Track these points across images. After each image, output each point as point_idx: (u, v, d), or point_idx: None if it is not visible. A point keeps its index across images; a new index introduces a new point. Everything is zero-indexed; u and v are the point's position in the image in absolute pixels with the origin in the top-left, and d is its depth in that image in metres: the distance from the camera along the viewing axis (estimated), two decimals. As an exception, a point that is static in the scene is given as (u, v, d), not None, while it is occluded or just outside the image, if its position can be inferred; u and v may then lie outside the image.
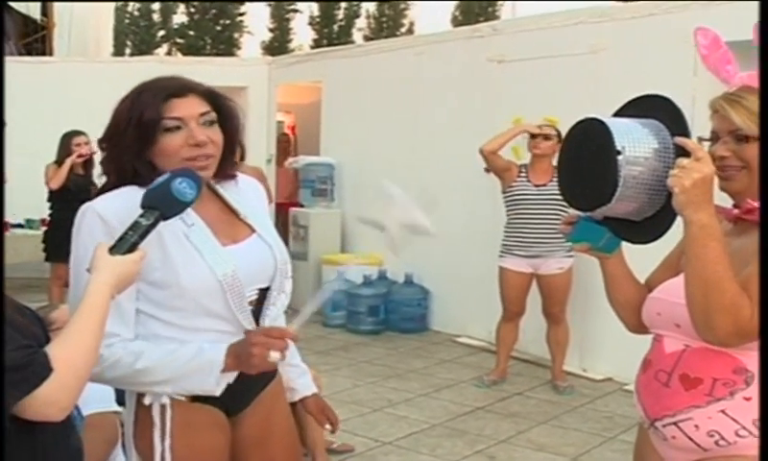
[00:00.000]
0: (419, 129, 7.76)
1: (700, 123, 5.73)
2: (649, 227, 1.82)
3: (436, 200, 2.10)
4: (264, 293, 2.08)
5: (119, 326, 1.89)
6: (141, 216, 1.79)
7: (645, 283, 2.08)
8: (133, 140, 1.92)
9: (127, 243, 1.76)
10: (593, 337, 6.10)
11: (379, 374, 6.22)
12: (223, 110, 2.02)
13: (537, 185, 5.73)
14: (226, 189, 2.10)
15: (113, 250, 1.74)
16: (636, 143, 1.76)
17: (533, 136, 5.79)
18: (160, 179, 1.83)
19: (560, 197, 2.03)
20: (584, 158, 1.83)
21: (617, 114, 1.90)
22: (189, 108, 1.95)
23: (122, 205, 1.90)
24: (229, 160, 2.06)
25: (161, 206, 1.80)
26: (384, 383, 5.98)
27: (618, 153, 1.74)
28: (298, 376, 2.36)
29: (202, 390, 1.94)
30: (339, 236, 8.56)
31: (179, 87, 1.97)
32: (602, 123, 1.80)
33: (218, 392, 1.95)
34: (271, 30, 38.31)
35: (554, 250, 5.67)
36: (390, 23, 37.24)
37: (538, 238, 5.70)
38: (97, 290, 1.69)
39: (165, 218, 1.81)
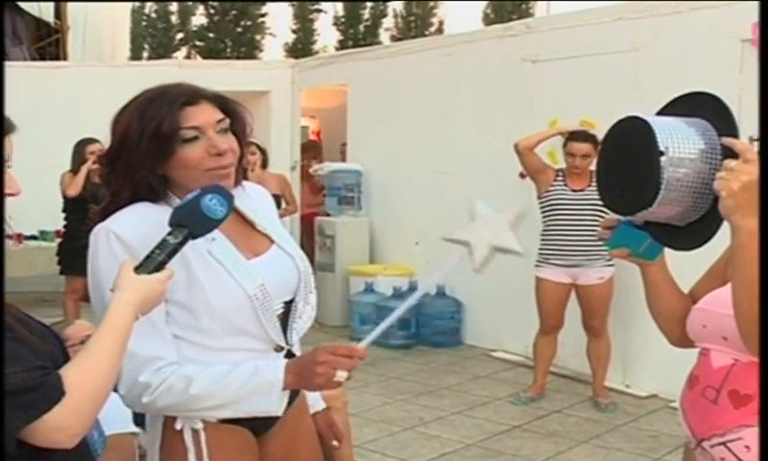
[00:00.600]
0: (449, 133, 7.76)
1: (747, 122, 5.69)
2: (693, 232, 1.80)
3: (523, 216, 2.06)
4: (289, 306, 2.09)
5: (161, 348, 1.89)
6: (169, 234, 1.78)
7: (689, 294, 2.05)
8: (148, 154, 1.91)
9: (154, 262, 1.75)
10: (637, 351, 6.06)
11: (410, 390, 6.21)
12: (234, 116, 2.03)
13: (574, 190, 5.70)
14: (238, 199, 2.08)
15: (139, 269, 1.73)
16: (681, 143, 1.74)
17: (568, 138, 5.76)
18: (189, 195, 1.83)
19: (599, 202, 2.01)
20: (624, 160, 1.82)
21: (661, 113, 1.89)
22: (205, 115, 1.95)
23: (138, 223, 1.90)
24: (240, 168, 2.06)
25: (190, 224, 1.80)
26: (415, 400, 5.97)
27: (662, 153, 1.72)
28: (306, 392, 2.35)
29: (262, 411, 1.94)
30: (367, 246, 8.58)
31: (192, 94, 1.97)
32: (644, 122, 1.78)
33: (281, 412, 1.96)
34: (294, 31, 38.49)
35: (594, 259, 5.64)
36: (418, 23, 37.30)
37: (576, 247, 5.67)
38: (120, 309, 1.66)
39: (194, 237, 1.81)
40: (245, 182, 2.14)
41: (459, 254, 1.98)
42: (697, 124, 1.79)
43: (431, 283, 1.86)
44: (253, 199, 2.16)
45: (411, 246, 8.05)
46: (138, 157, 1.91)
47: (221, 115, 1.98)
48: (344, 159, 9.43)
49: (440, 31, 34.90)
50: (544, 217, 5.82)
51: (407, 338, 7.49)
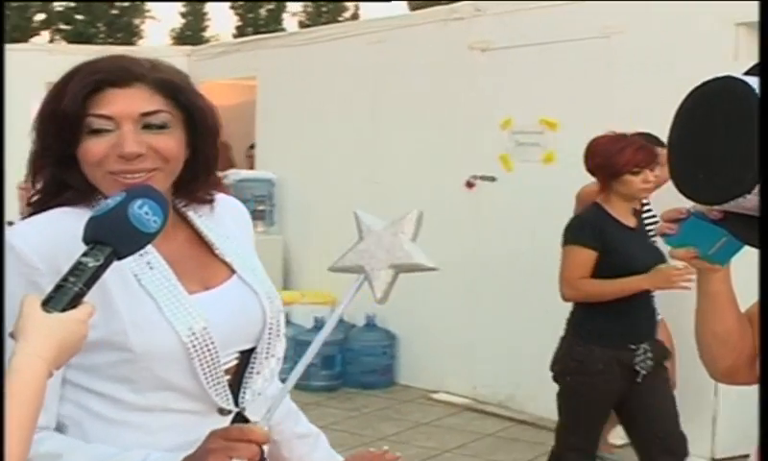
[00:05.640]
0: (380, 136, 7.72)
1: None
2: None
3: (421, 219, 1.84)
4: (247, 356, 1.91)
5: None
6: (86, 255, 1.58)
7: (746, 316, 1.98)
8: (54, 140, 1.79)
9: (68, 294, 1.53)
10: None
11: (340, 443, 6.03)
12: (191, 111, 1.87)
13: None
14: (198, 216, 1.95)
15: (49, 304, 1.52)
16: None
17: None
18: (110, 201, 1.64)
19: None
20: (713, 133, 1.70)
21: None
22: (127, 103, 1.79)
23: (45, 234, 1.74)
24: (202, 180, 1.91)
25: (114, 240, 1.60)
26: (346, 455, 5.86)
27: None
28: (312, 449, 2.18)
29: None
30: (280, 269, 8.47)
31: (119, 72, 1.82)
32: (745, 85, 1.65)
33: None
34: (182, 15, 38.20)
35: None
36: (330, 7, 37.37)
37: None
38: (26, 365, 1.45)
39: (120, 257, 1.62)
40: (218, 195, 1.99)
41: (355, 284, 1.77)
42: None
43: (331, 324, 1.63)
44: (221, 217, 1.99)
45: (350, 278, 7.95)
46: (44, 142, 1.81)
47: (155, 107, 1.81)
48: (251, 166, 9.32)
49: (355, 17, 34.97)
50: None
51: (331, 378, 7.41)
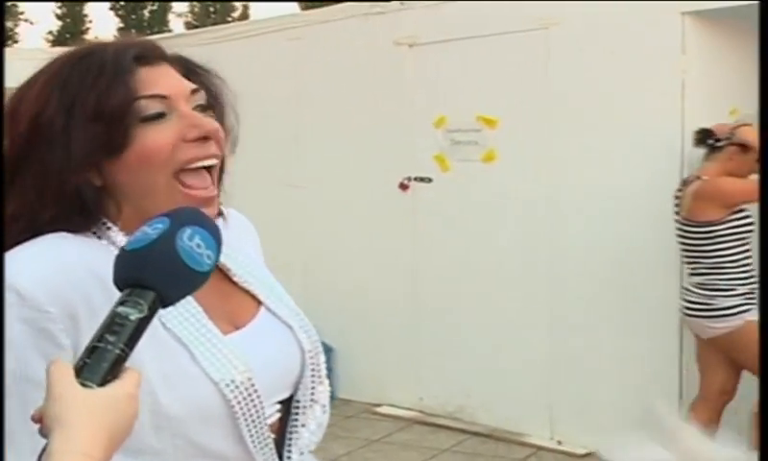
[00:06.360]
0: (302, 137, 7.43)
1: (691, 111, 5.61)
2: None
3: None
4: (286, 407, 1.57)
5: None
6: (123, 303, 1.21)
7: None
8: (84, 147, 1.39)
9: (107, 360, 1.17)
10: (569, 398, 5.96)
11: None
12: (212, 93, 1.56)
13: None
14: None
15: (83, 373, 1.15)
16: None
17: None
18: (148, 229, 1.26)
19: None
20: None
21: None
22: (173, 81, 1.46)
23: (51, 267, 1.35)
24: (219, 184, 1.55)
25: (160, 283, 1.22)
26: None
27: None
28: None
29: None
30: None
31: (145, 49, 1.47)
32: None
33: None
34: (59, 17, 37.32)
35: None
36: (218, 7, 36.90)
37: None
38: None
39: (166, 305, 1.26)
40: (224, 208, 1.63)
41: None
42: None
43: None
44: (231, 234, 1.59)
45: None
46: (64, 154, 1.39)
47: (194, 85, 1.50)
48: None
49: (245, 17, 34.54)
50: (735, 243, 5.08)
51: (266, 398, 7.09)
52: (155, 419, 1.37)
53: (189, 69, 1.53)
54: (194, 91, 1.48)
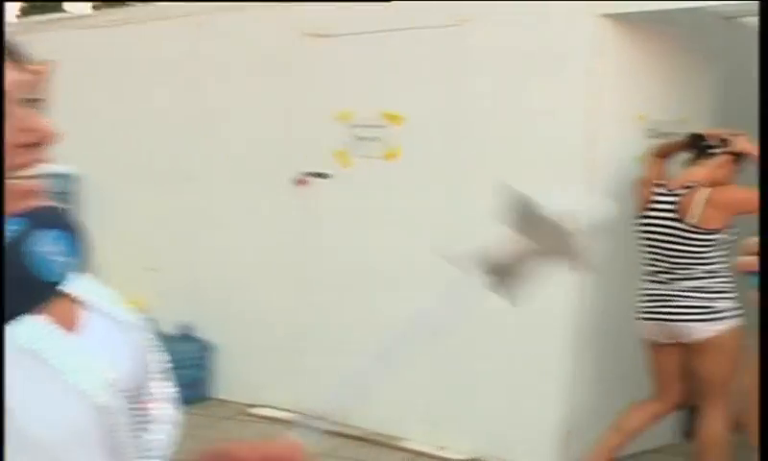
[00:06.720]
0: (200, 128, 7.26)
1: (609, 116, 5.53)
2: None
3: None
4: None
5: None
6: None
7: None
8: None
9: None
10: (451, 403, 5.82)
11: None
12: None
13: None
14: None
15: None
16: None
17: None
18: None
19: None
20: None
21: None
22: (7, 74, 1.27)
23: None
24: None
25: (8, 299, 1.09)
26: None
27: None
28: None
29: None
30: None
31: None
32: None
33: None
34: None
35: None
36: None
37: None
38: None
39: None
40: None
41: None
42: None
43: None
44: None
45: (141, 272, 7.40)
46: None
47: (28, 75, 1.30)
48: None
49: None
50: (728, 249, 5.21)
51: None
52: (18, 444, 1.15)
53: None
54: (25, 85, 1.27)
